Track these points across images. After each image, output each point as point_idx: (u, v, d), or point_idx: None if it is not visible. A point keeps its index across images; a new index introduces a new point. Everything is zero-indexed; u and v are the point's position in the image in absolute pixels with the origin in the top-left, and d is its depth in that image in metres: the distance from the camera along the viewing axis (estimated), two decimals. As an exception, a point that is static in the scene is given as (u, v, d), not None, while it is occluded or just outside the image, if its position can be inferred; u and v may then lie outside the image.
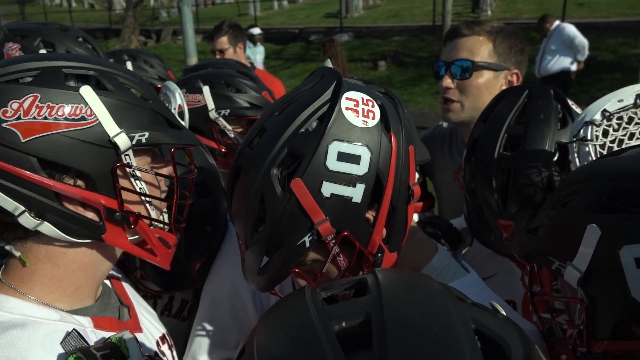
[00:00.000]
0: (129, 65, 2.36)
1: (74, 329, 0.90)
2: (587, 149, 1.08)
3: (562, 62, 7.95)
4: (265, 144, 0.90)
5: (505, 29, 1.92)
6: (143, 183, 0.96)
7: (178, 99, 1.54)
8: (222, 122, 1.74)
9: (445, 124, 2.22)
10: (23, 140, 0.82)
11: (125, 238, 0.95)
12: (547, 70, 8.02)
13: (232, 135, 1.76)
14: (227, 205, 1.02)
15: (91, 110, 0.86)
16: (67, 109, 0.85)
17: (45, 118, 0.83)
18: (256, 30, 9.79)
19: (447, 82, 1.87)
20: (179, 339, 1.60)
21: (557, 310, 1.03)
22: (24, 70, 0.87)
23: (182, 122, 1.23)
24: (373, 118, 0.89)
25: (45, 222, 0.87)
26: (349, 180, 0.86)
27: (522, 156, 1.27)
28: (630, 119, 1.09)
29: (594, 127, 1.08)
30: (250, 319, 1.41)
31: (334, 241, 0.89)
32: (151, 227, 0.99)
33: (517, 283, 1.40)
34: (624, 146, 1.07)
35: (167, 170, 1.01)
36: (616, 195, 0.79)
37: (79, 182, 0.89)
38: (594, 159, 1.06)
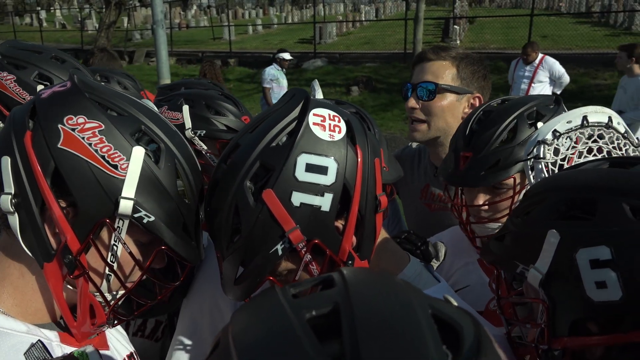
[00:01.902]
0: None
1: (38, 340, 0.89)
2: (540, 166, 1.16)
3: (547, 93, 8.26)
4: (239, 158, 0.94)
5: (469, 56, 2.00)
6: (117, 256, 0.92)
7: None
8: (198, 141, 1.75)
9: (414, 145, 2.28)
10: (59, 145, 0.86)
11: (61, 283, 0.91)
12: None
13: (204, 153, 1.77)
14: (205, 219, 1.03)
15: (127, 167, 0.88)
16: (111, 152, 0.87)
17: (90, 145, 0.86)
18: (287, 56, 9.22)
19: (412, 102, 1.94)
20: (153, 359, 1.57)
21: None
22: (118, 106, 0.92)
23: None
24: (339, 132, 0.94)
25: (16, 215, 0.87)
26: (318, 190, 0.91)
27: (505, 107, 1.47)
28: (579, 139, 1.17)
29: (546, 145, 1.16)
30: None
31: (305, 249, 0.92)
32: (91, 293, 0.93)
33: (488, 294, 1.48)
34: (573, 164, 1.14)
35: (145, 261, 0.96)
36: (573, 205, 0.85)
37: (68, 210, 0.88)
38: (546, 175, 1.14)
